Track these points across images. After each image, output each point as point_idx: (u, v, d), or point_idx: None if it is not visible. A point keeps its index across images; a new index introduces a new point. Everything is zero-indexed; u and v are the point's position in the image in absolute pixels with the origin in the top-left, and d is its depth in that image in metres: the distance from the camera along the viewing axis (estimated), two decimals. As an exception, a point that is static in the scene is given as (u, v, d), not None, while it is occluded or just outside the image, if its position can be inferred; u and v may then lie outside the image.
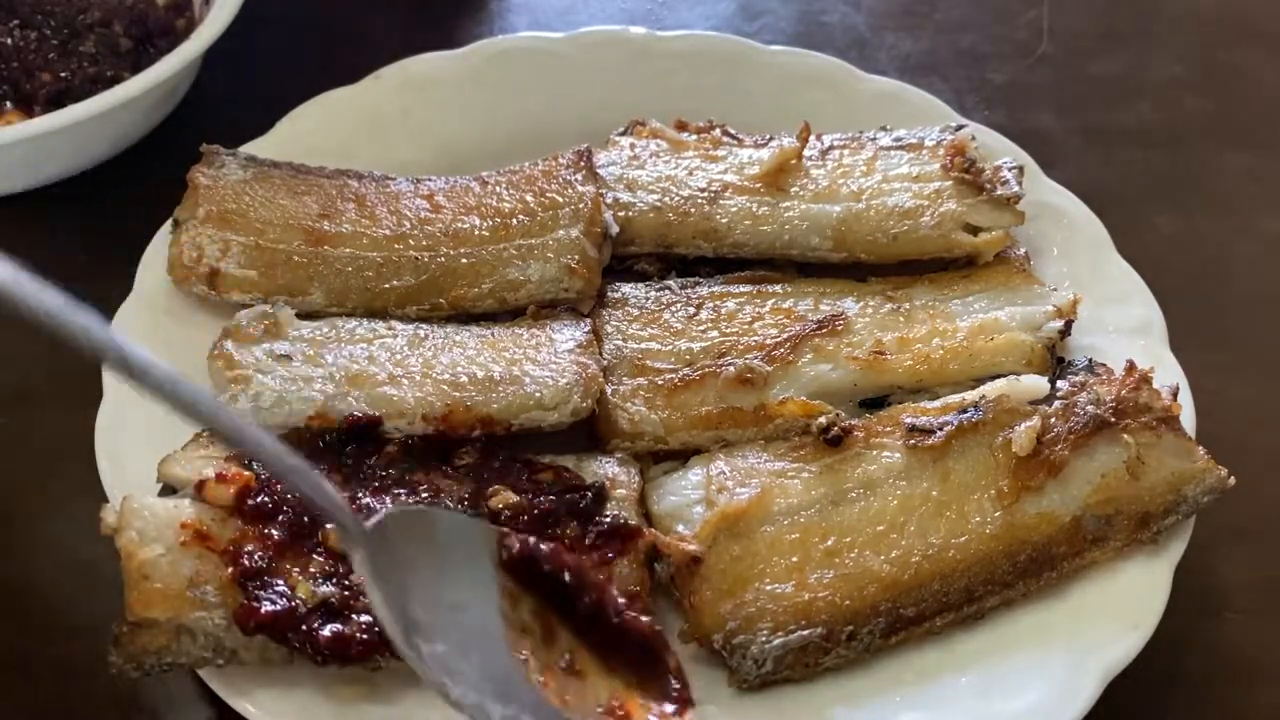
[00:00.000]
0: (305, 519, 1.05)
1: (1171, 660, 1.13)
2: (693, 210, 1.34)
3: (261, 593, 1.00)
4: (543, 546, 1.00)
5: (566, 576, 0.99)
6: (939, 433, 1.14)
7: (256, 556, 1.02)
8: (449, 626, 0.94)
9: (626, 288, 1.32)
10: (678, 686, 0.98)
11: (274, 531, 1.03)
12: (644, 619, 1.00)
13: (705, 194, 1.35)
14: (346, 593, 1.01)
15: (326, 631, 0.99)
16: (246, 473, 1.06)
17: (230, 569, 1.00)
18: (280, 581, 1.01)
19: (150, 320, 1.26)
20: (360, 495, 1.08)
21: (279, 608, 0.99)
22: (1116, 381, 1.17)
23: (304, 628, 0.99)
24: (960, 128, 1.41)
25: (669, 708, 0.97)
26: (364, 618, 0.99)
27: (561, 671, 0.97)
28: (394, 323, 1.25)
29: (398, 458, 1.13)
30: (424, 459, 1.14)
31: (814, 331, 1.24)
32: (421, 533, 0.98)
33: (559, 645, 0.98)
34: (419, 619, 0.93)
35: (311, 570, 1.02)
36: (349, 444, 1.14)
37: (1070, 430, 1.13)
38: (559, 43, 1.57)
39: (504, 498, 1.09)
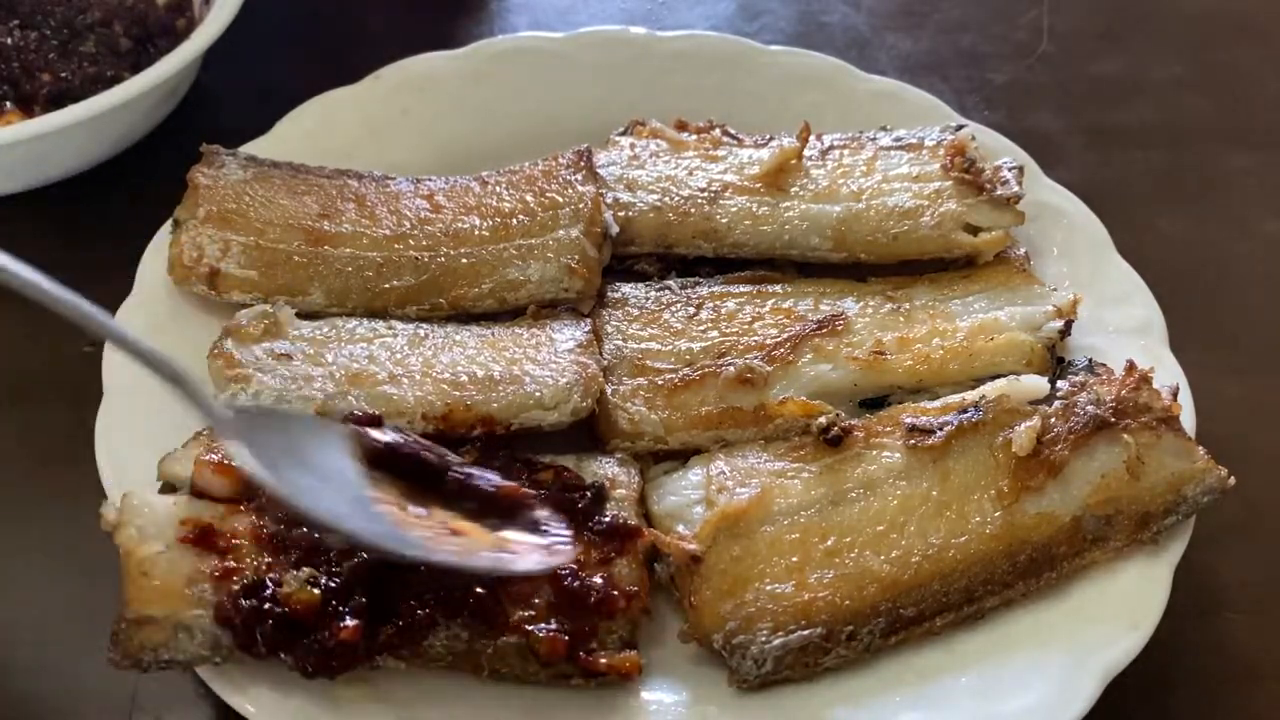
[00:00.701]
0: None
1: (1171, 660, 1.13)
2: (693, 210, 1.34)
3: (244, 601, 0.98)
4: (398, 439, 1.06)
5: (428, 456, 1.05)
6: (939, 433, 1.14)
7: (248, 559, 1.01)
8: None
9: (626, 288, 1.32)
10: (561, 532, 1.03)
11: (268, 528, 1.03)
12: (512, 484, 1.06)
13: (705, 194, 1.35)
14: (336, 592, 1.00)
15: (309, 646, 0.98)
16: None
17: (219, 573, 1.00)
18: (269, 584, 0.99)
19: (150, 320, 1.26)
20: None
21: (250, 606, 0.98)
22: (1116, 381, 1.17)
23: (288, 643, 0.98)
24: (960, 128, 1.41)
25: (552, 540, 1.02)
26: (349, 621, 0.98)
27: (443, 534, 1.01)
28: (394, 322, 1.25)
29: (398, 456, 1.14)
30: (425, 458, 1.14)
31: (814, 331, 1.24)
32: (278, 430, 1.03)
33: (434, 518, 1.02)
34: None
35: (306, 570, 1.02)
36: (349, 443, 1.14)
37: (1070, 430, 1.13)
38: (559, 43, 1.57)
39: None
